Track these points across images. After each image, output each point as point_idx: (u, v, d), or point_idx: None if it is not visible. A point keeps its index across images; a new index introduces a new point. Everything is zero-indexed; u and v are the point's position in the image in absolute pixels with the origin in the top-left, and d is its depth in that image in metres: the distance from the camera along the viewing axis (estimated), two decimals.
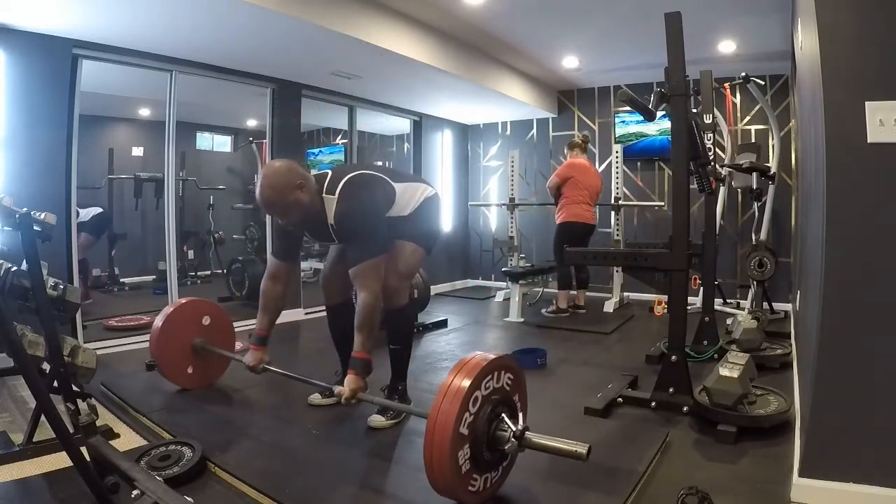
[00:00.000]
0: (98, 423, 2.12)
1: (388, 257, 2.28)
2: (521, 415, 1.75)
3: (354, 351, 2.16)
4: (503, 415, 1.67)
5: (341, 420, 2.42)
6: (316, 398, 2.57)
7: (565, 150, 5.18)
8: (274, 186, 2.08)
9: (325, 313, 2.66)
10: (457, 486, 1.57)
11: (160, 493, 1.46)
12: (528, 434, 1.64)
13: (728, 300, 5.10)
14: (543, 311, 5.00)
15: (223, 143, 7.10)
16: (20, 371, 1.70)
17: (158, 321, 2.76)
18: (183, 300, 2.91)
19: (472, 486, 1.62)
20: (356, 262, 2.15)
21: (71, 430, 1.66)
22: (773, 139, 5.06)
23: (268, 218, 4.78)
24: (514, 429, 1.64)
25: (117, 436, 2.24)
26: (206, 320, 2.87)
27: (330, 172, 2.26)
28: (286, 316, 4.48)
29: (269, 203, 2.10)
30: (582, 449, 1.59)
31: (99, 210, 5.15)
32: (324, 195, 2.20)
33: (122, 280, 5.74)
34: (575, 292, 5.07)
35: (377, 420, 2.31)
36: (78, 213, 4.10)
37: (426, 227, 2.43)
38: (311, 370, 2.92)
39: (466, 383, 1.55)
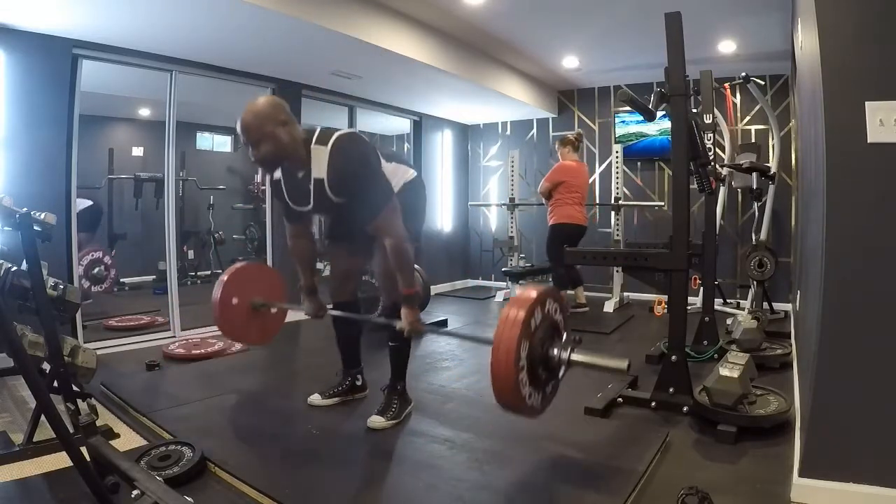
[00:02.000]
0: (98, 423, 2.12)
1: (383, 256, 2.22)
2: (565, 334, 1.91)
3: (402, 287, 2.16)
4: (553, 336, 1.85)
5: (341, 420, 2.42)
6: (316, 399, 2.57)
7: (556, 147, 5.09)
8: (256, 114, 1.99)
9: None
10: (519, 401, 1.75)
11: (160, 493, 1.46)
12: (573, 354, 1.84)
13: (728, 300, 5.10)
14: None
15: (223, 143, 7.10)
16: (20, 371, 1.70)
17: (217, 288, 2.77)
18: (240, 264, 2.95)
19: (529, 400, 1.78)
20: (372, 215, 2.10)
21: (71, 430, 1.66)
22: (773, 139, 5.06)
23: (268, 218, 4.78)
24: (564, 341, 1.87)
25: (117, 436, 2.24)
26: (264, 281, 2.98)
27: (318, 128, 2.16)
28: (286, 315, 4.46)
29: (246, 127, 1.99)
30: (622, 364, 1.78)
31: (88, 203, 5.07)
32: (313, 146, 2.08)
33: (122, 280, 5.74)
34: (572, 292, 5.05)
35: (377, 421, 2.30)
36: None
37: (410, 211, 2.33)
38: (314, 369, 2.94)
39: (523, 313, 1.72)
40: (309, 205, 2.17)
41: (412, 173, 2.41)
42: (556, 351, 1.84)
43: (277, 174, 2.23)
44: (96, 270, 4.77)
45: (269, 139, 2.01)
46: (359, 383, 2.65)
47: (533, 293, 1.80)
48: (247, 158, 2.18)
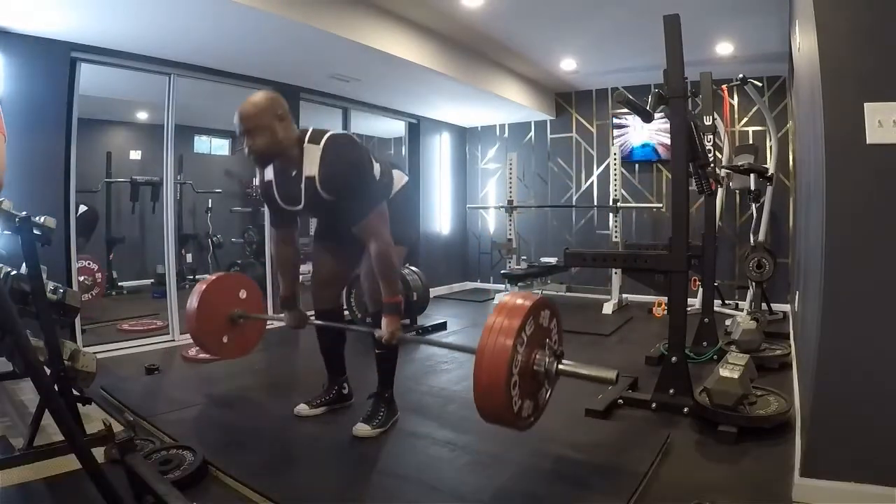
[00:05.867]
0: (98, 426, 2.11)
1: (369, 261, 2.20)
2: (556, 345, 1.88)
3: (385, 297, 2.13)
4: (543, 346, 1.83)
5: (344, 422, 2.41)
6: (303, 409, 2.48)
7: None
8: (256, 104, 2.03)
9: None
10: (508, 414, 1.70)
11: None
12: (561, 365, 1.81)
13: (727, 301, 5.10)
14: None
15: (221, 147, 7.10)
16: (28, 375, 1.69)
17: (194, 298, 2.78)
18: (216, 275, 2.97)
19: (522, 413, 1.75)
20: (360, 216, 2.09)
21: None
22: (770, 140, 5.07)
23: (265, 221, 4.78)
24: (554, 352, 1.85)
25: None
26: (241, 293, 2.95)
27: (311, 128, 2.16)
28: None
29: (244, 116, 2.01)
30: (611, 374, 1.74)
31: (84, 208, 5.01)
32: (306, 144, 2.08)
33: (120, 284, 5.73)
34: None
35: (363, 429, 2.25)
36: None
37: (405, 217, 2.35)
38: (309, 373, 2.93)
39: (516, 322, 1.69)
40: (300, 204, 2.14)
41: (405, 179, 2.42)
42: (543, 361, 1.80)
43: (269, 175, 2.21)
44: (82, 279, 4.44)
45: (264, 131, 2.02)
46: (345, 391, 2.59)
47: (526, 301, 1.75)
48: (244, 161, 2.18)
